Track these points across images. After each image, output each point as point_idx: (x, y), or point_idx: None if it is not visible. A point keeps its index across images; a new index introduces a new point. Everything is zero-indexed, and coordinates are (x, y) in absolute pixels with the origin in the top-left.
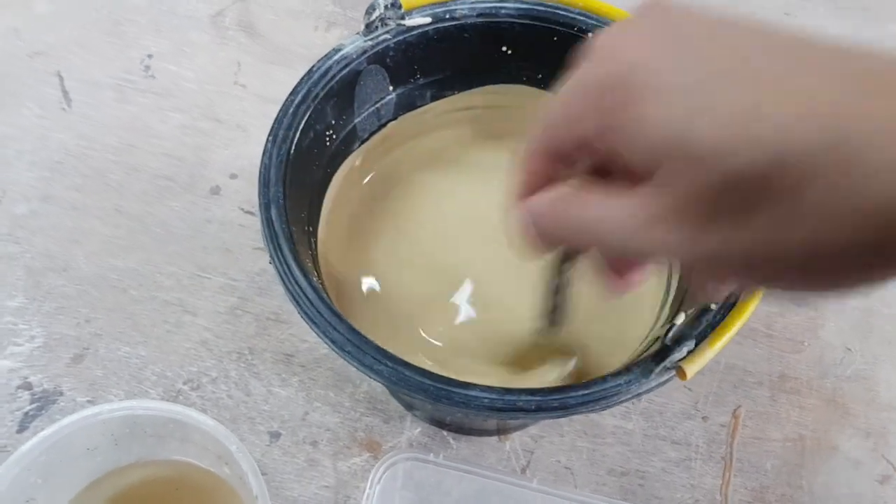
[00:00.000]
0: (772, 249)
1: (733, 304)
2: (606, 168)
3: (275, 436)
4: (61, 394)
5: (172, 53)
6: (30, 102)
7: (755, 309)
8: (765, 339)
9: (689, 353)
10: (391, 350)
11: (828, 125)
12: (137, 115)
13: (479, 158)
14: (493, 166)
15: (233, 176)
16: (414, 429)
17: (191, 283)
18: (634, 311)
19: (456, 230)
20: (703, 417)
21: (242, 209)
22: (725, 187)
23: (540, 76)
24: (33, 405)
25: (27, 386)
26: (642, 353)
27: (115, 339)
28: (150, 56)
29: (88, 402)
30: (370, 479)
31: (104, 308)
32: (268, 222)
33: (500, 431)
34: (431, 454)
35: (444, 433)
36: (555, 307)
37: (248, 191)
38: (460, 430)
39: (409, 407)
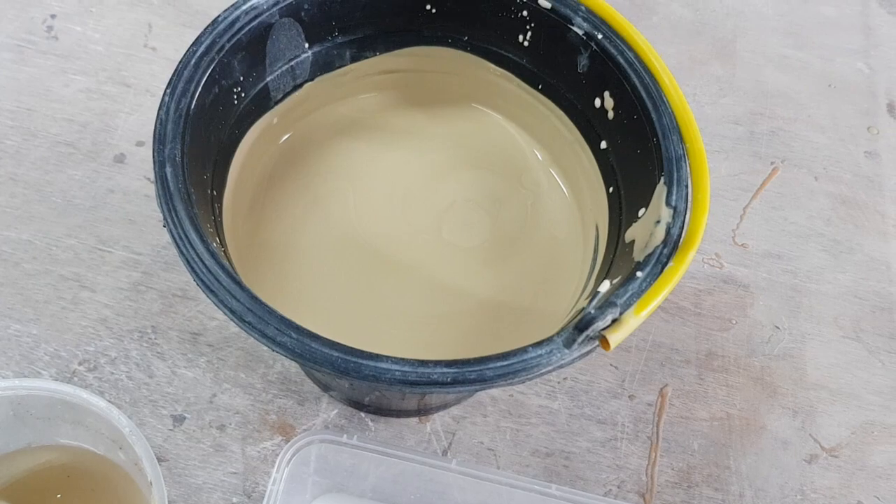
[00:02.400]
0: None
1: (660, 273)
2: None
3: (179, 420)
4: None
5: (78, 14)
6: None
7: (681, 280)
8: (693, 318)
9: (614, 321)
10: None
11: None
12: (37, 78)
13: (401, 125)
14: (414, 134)
15: (139, 143)
16: (330, 411)
17: (90, 257)
18: (559, 283)
19: (374, 200)
20: (629, 396)
21: (149, 179)
22: None
23: (466, 38)
24: None
25: None
26: (567, 325)
27: (4, 315)
28: (53, 16)
29: None
30: (277, 462)
31: None
32: (162, 181)
33: (421, 412)
34: (345, 436)
35: (362, 415)
36: None
37: None
38: (379, 410)
39: (326, 388)
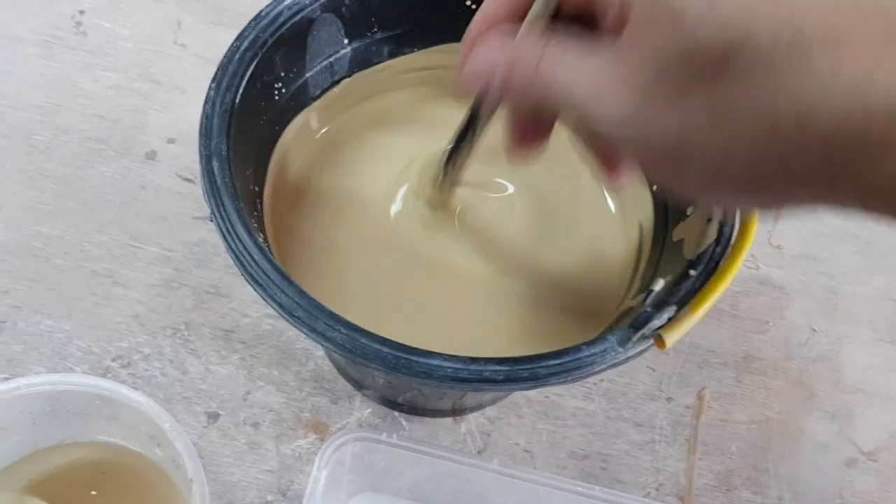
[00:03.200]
0: (725, 135)
1: (713, 271)
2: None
3: (213, 417)
4: None
5: (106, 10)
6: None
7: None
8: (730, 320)
9: (670, 320)
10: None
11: (785, 22)
12: (66, 74)
13: (438, 119)
14: (452, 127)
15: (170, 140)
16: (364, 409)
17: (122, 254)
18: (601, 282)
19: (410, 193)
20: (667, 399)
21: (180, 176)
22: (692, 54)
23: None
24: None
25: None
26: (614, 325)
27: (36, 311)
28: (81, 12)
29: (5, 379)
30: (317, 461)
31: (25, 278)
32: (209, 175)
33: (456, 412)
34: (385, 434)
35: (396, 414)
36: (455, 150)
37: (186, 156)
38: (413, 410)
39: (359, 386)
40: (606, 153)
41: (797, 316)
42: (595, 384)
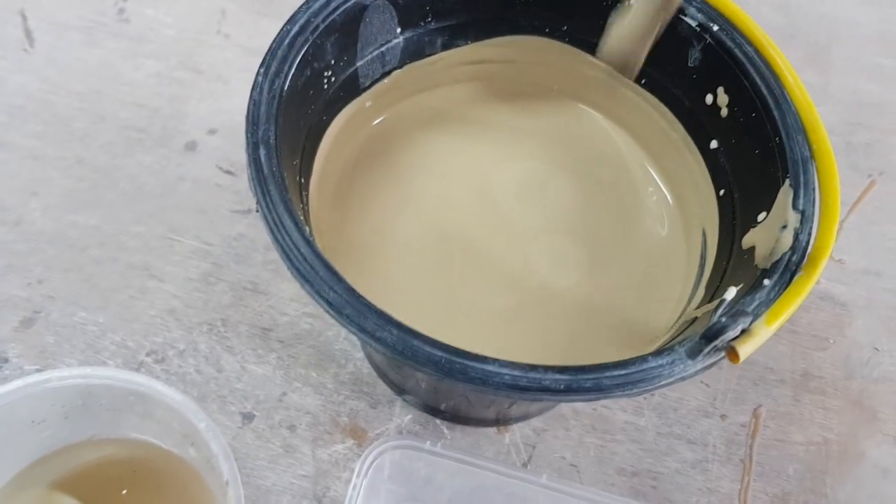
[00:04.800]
0: None
1: (789, 281)
2: None
3: (248, 417)
4: (6, 360)
5: None
6: None
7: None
8: (788, 335)
9: (743, 332)
10: None
11: None
12: (107, 61)
13: (491, 119)
14: (504, 128)
15: (211, 131)
16: (404, 415)
17: (159, 246)
18: (660, 290)
19: (461, 196)
20: (721, 416)
21: (220, 168)
22: None
23: (564, 28)
24: None
25: None
26: (676, 336)
27: (70, 302)
28: None
29: (37, 370)
30: (357, 468)
31: (60, 268)
32: (255, 164)
33: (500, 422)
34: (428, 442)
35: (438, 421)
36: None
37: (227, 148)
38: (456, 418)
39: (400, 391)
40: None
41: (859, 334)
42: (646, 398)
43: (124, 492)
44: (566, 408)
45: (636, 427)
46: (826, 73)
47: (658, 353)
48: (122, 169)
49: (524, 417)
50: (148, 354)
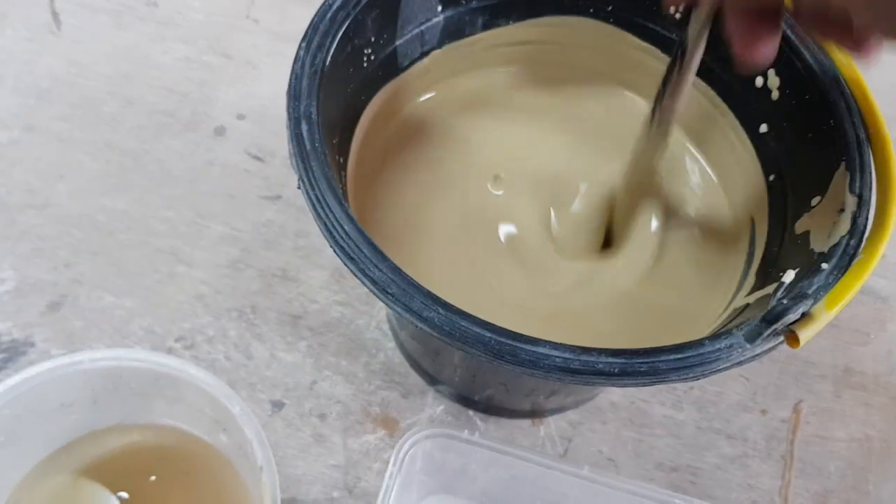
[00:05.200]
0: None
1: (848, 265)
2: None
3: (277, 405)
4: (33, 345)
5: None
6: (16, 24)
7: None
8: (829, 329)
9: (804, 315)
10: None
11: None
12: (136, 44)
13: (531, 102)
14: (545, 113)
15: (240, 116)
16: (436, 406)
17: (188, 231)
18: (708, 278)
19: (500, 182)
20: (761, 411)
21: (249, 153)
22: None
23: (609, 7)
24: (0, 356)
25: None
26: (727, 324)
27: (97, 286)
28: None
29: (63, 356)
30: (393, 457)
31: (87, 252)
32: (297, 139)
33: (535, 413)
34: (466, 431)
35: (471, 413)
36: (664, 90)
37: (256, 134)
38: (489, 409)
39: (433, 381)
40: (838, 27)
41: None
42: (685, 391)
43: (153, 478)
44: (603, 400)
45: (675, 421)
46: None
47: (716, 336)
48: (150, 153)
49: (560, 409)
50: (176, 340)
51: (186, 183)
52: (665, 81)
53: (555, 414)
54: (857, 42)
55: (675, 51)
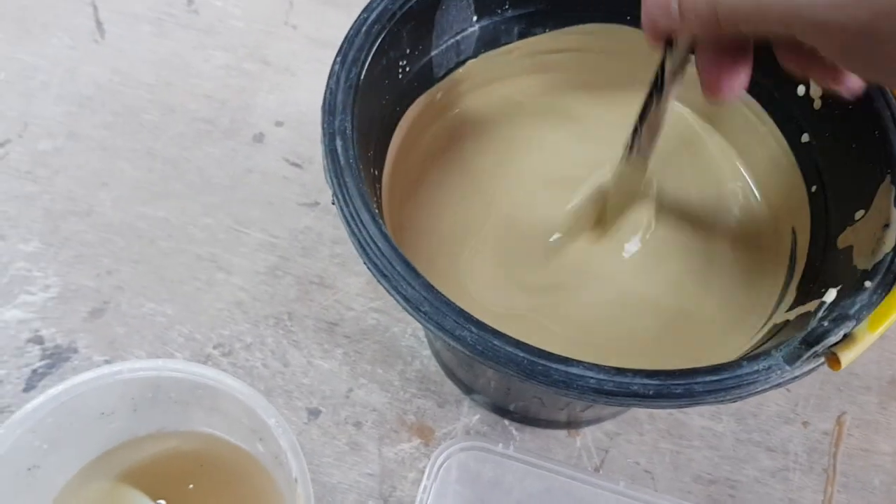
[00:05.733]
0: None
1: (893, 283)
2: None
3: (314, 413)
4: (76, 351)
5: None
6: (60, 32)
7: None
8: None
9: (846, 336)
10: None
11: None
12: (177, 52)
13: (567, 110)
14: (581, 120)
15: (278, 123)
16: (472, 415)
17: (227, 238)
18: (746, 291)
19: (538, 189)
20: (802, 423)
21: (287, 160)
22: None
23: None
24: (43, 362)
25: (38, 340)
26: (766, 340)
27: (138, 293)
28: None
29: (106, 361)
30: (428, 469)
31: (129, 259)
32: (332, 155)
33: (571, 424)
34: (500, 444)
35: (506, 422)
36: (641, 123)
37: (294, 140)
38: (525, 419)
39: (469, 390)
40: (819, 65)
41: None
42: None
43: (191, 486)
44: (640, 411)
45: (714, 433)
46: None
47: (753, 357)
48: (190, 161)
49: (596, 420)
50: (215, 347)
51: (225, 190)
52: (642, 115)
53: (591, 425)
54: (838, 81)
55: (653, 85)
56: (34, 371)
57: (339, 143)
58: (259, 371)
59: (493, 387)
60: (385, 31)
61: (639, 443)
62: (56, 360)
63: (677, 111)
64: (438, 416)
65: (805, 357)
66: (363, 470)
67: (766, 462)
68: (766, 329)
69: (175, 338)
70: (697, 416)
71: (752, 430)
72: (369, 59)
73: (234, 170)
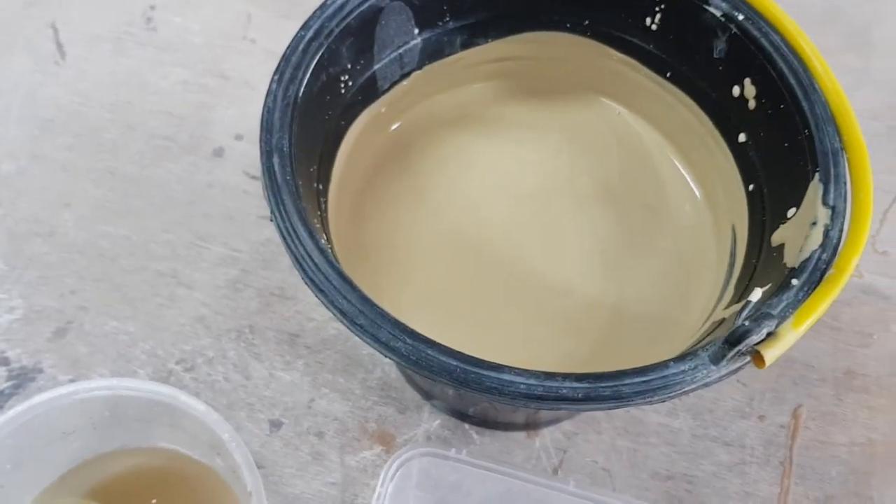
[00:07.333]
0: None
1: (819, 280)
2: None
3: (276, 425)
4: (41, 371)
5: (177, 4)
6: (21, 55)
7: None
8: (829, 332)
9: (769, 335)
10: None
11: None
12: (136, 70)
13: (514, 117)
14: (528, 126)
15: (238, 137)
16: (432, 421)
17: (188, 253)
18: (688, 290)
19: (485, 198)
20: (759, 417)
21: (247, 174)
22: None
23: (586, 22)
24: (9, 383)
25: (4, 361)
26: (704, 338)
27: (101, 312)
28: (152, 7)
29: (70, 380)
30: (382, 475)
31: (91, 278)
32: (269, 173)
33: (530, 426)
34: (453, 449)
35: (466, 426)
36: None
37: (254, 153)
38: (484, 423)
39: (428, 396)
40: None
41: None
42: (680, 399)
43: (154, 501)
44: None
45: (670, 429)
46: (867, 56)
47: (680, 358)
48: (151, 178)
49: (555, 421)
50: (177, 363)
51: (186, 205)
52: None
53: (550, 426)
54: None
55: None
56: (1, 392)
57: (276, 160)
58: (221, 385)
59: (451, 392)
60: (323, 48)
61: (597, 441)
62: (22, 380)
63: (616, 111)
64: (399, 422)
65: (730, 356)
66: (326, 479)
67: (723, 456)
68: (706, 326)
69: (138, 355)
70: (654, 413)
71: (708, 425)
72: (307, 76)
73: (194, 185)
